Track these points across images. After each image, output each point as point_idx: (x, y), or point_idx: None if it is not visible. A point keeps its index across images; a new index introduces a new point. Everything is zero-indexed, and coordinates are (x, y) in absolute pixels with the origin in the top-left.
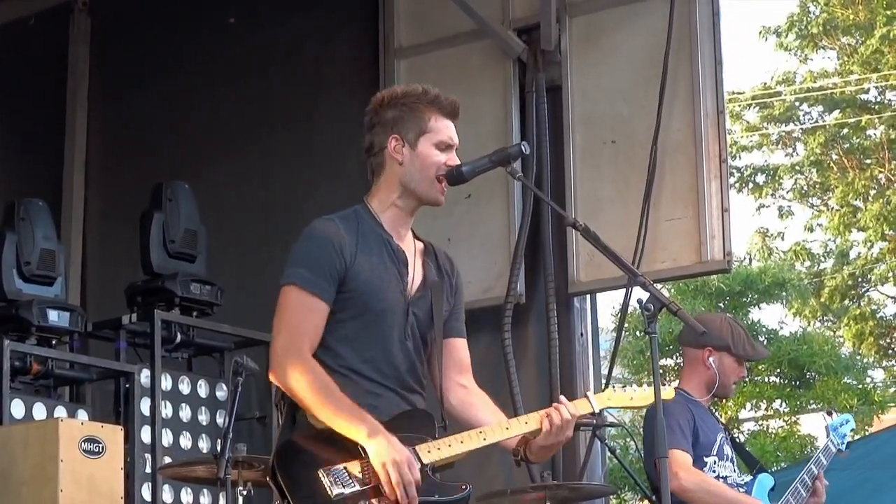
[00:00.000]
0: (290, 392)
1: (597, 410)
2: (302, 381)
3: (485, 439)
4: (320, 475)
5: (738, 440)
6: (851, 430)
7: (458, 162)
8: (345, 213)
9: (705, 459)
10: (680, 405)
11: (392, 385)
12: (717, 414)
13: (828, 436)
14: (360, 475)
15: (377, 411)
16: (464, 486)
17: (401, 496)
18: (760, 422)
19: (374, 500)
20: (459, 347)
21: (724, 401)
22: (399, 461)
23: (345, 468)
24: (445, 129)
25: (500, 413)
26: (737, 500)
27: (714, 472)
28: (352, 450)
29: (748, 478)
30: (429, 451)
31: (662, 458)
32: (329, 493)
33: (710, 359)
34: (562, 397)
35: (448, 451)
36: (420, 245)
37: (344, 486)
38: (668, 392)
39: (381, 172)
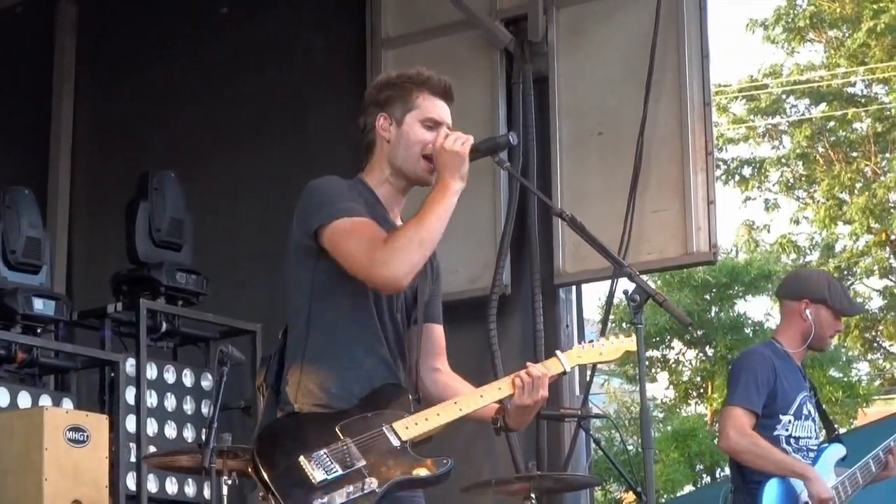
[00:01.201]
0: (419, 252)
1: (567, 369)
2: (405, 240)
3: (461, 409)
4: (302, 462)
5: (821, 404)
6: None
7: None
8: (347, 181)
9: (781, 417)
10: (765, 358)
11: (380, 351)
12: (805, 372)
13: None
14: (342, 458)
15: (362, 369)
16: (445, 461)
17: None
18: None
19: (357, 484)
20: (437, 332)
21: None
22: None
23: (325, 452)
24: (433, 107)
25: (473, 388)
26: (783, 463)
27: (787, 430)
28: (331, 431)
29: (823, 444)
30: (406, 428)
31: (648, 450)
32: (312, 479)
33: (807, 311)
34: (529, 363)
35: (426, 426)
36: None
37: (327, 472)
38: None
39: (372, 150)
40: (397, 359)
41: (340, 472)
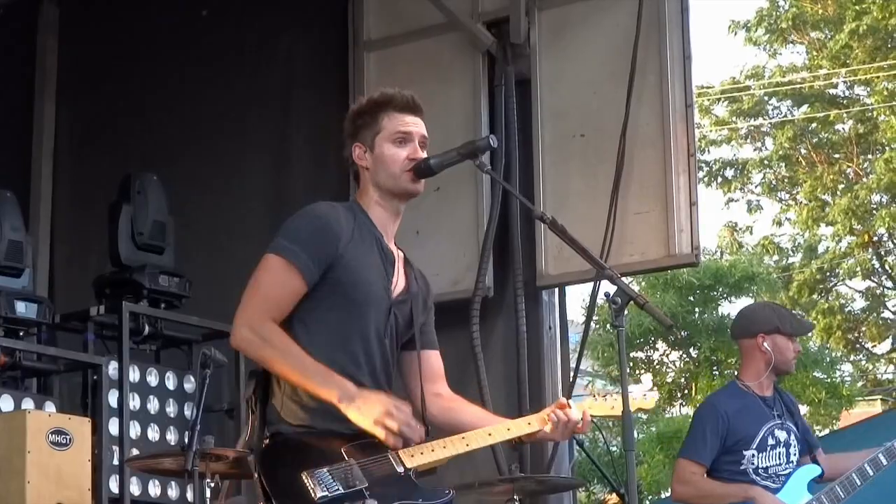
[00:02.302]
0: (255, 357)
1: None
2: (270, 344)
3: (468, 445)
4: (304, 478)
5: (800, 425)
6: None
7: (421, 153)
8: (344, 203)
9: (744, 453)
10: (713, 407)
11: (366, 380)
12: (781, 399)
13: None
14: (344, 478)
15: None
16: (447, 490)
17: (407, 438)
18: None
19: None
20: (434, 358)
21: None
22: (382, 415)
23: (328, 471)
24: (397, 122)
25: (477, 410)
26: (726, 493)
27: (753, 463)
28: (337, 451)
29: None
30: (412, 456)
31: (630, 452)
32: (313, 495)
33: (765, 343)
34: (562, 399)
35: (431, 456)
36: (401, 254)
37: (328, 490)
38: (643, 401)
39: (358, 180)
40: (383, 385)
41: (342, 490)
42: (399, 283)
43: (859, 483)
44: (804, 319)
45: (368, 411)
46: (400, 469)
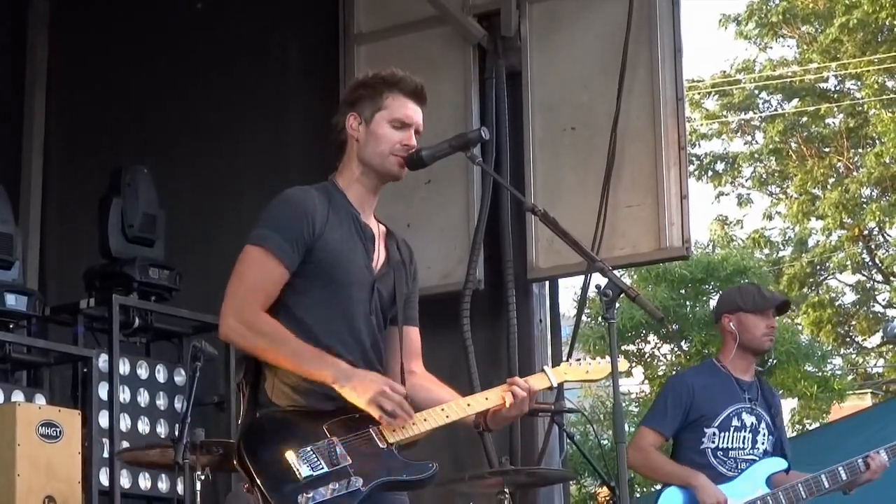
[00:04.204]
0: (246, 346)
1: (555, 385)
2: (259, 332)
3: (447, 417)
4: (288, 457)
5: (777, 423)
6: None
7: (415, 142)
8: (318, 186)
9: (705, 430)
10: (680, 380)
11: (356, 360)
12: (761, 389)
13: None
14: (328, 456)
15: None
16: (430, 465)
17: (400, 420)
18: None
19: (342, 482)
20: (413, 334)
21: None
22: (377, 394)
23: (312, 449)
24: (402, 107)
25: (451, 390)
26: (671, 474)
27: (714, 443)
28: (319, 429)
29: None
30: (394, 431)
31: (621, 444)
32: (298, 475)
33: (730, 324)
34: (515, 377)
35: (413, 430)
36: (382, 228)
37: (313, 468)
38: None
39: (343, 150)
40: (374, 363)
41: (326, 469)
42: (380, 257)
43: (827, 486)
44: (770, 293)
45: (364, 390)
46: (382, 445)
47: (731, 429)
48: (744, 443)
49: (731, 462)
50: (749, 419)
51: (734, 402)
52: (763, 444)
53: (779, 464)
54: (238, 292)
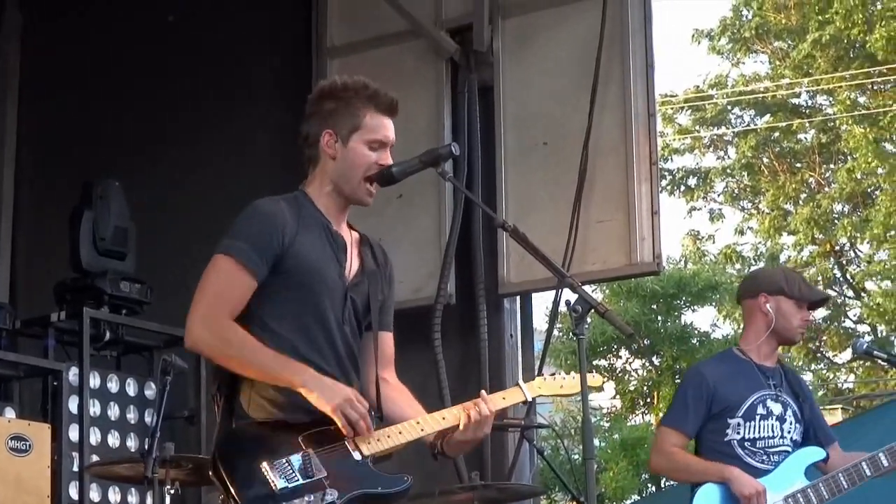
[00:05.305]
0: (213, 355)
1: (529, 399)
2: (225, 340)
3: (422, 430)
4: (264, 468)
5: (806, 410)
6: None
7: (391, 161)
8: (287, 196)
9: (729, 421)
10: (697, 373)
11: (332, 369)
12: (784, 374)
13: None
14: (303, 468)
15: None
16: (405, 478)
17: (360, 431)
18: None
19: (317, 494)
20: (387, 341)
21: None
22: (344, 401)
23: (287, 461)
24: (380, 127)
25: (418, 406)
26: (703, 472)
27: (739, 433)
28: (293, 441)
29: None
30: (368, 443)
31: (590, 460)
32: (273, 486)
33: (767, 304)
34: (483, 392)
35: (387, 443)
36: (356, 235)
37: (288, 480)
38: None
39: (315, 164)
40: (350, 372)
41: (301, 481)
42: (353, 265)
43: (869, 473)
44: (817, 288)
45: (331, 397)
46: (357, 457)
47: (757, 417)
48: (772, 431)
49: (760, 454)
50: (774, 406)
51: (758, 389)
52: (791, 432)
53: (816, 453)
54: (204, 301)
